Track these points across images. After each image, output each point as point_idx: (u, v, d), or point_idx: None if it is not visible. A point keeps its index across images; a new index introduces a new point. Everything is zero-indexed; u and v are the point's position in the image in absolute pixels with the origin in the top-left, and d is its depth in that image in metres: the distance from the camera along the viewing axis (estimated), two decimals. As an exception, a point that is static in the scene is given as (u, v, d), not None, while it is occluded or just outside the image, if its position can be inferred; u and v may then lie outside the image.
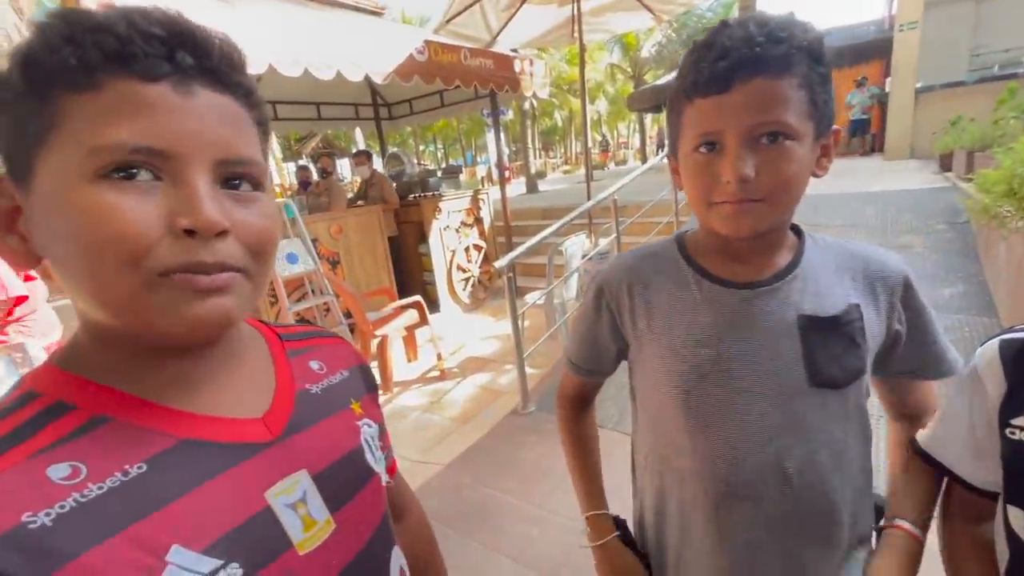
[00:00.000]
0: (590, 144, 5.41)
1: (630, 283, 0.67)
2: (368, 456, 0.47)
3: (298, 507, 0.38)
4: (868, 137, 9.22)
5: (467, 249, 5.03)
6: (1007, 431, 0.53)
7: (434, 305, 4.59)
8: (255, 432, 0.39)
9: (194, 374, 0.38)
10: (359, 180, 5.19)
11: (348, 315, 3.51)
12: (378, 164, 5.88)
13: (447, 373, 3.50)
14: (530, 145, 16.02)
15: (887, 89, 8.44)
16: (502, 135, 5.30)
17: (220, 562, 0.33)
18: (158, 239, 0.32)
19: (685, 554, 0.66)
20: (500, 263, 2.67)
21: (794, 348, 0.57)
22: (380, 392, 0.55)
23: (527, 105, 14.65)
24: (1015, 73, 6.99)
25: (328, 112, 5.82)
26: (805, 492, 0.58)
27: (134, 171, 0.31)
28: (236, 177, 0.36)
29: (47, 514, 0.29)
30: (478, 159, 32.67)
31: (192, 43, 0.34)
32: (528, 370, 2.81)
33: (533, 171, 13.60)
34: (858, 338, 0.58)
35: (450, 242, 4.87)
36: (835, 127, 0.56)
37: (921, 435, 0.64)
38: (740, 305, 0.59)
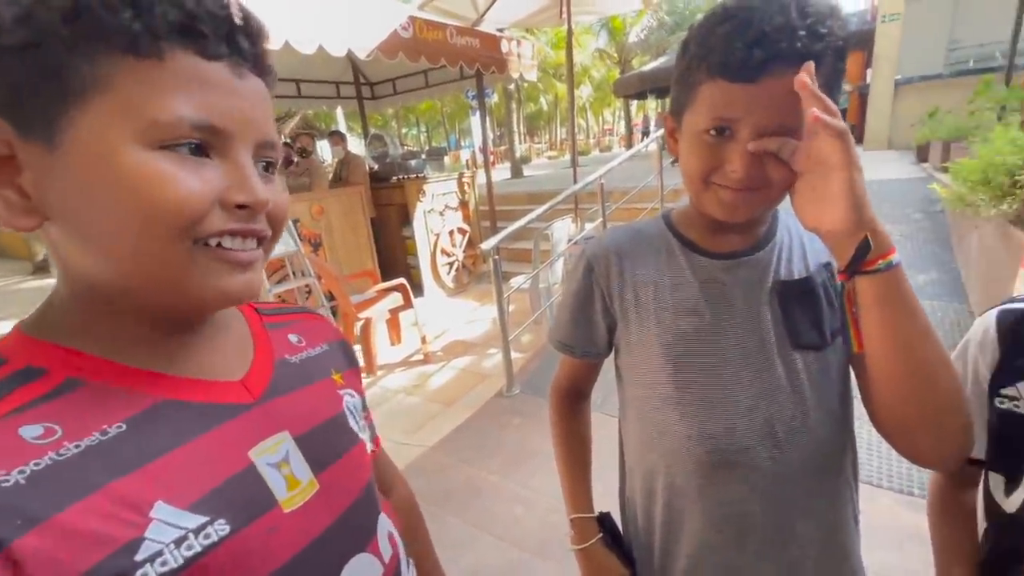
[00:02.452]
0: (575, 129, 5.37)
1: (619, 256, 0.66)
2: (351, 423, 0.48)
3: (281, 467, 0.39)
4: (847, 128, 9.35)
5: (451, 233, 4.98)
6: (996, 400, 0.54)
7: (418, 289, 4.55)
8: (235, 394, 0.40)
9: (172, 340, 0.38)
10: (336, 161, 5.08)
11: (331, 297, 3.45)
12: (360, 146, 5.75)
13: (431, 356, 3.48)
14: (515, 129, 15.88)
15: (867, 81, 8.55)
16: (487, 119, 5.24)
17: (206, 518, 0.33)
18: (210, 210, 0.33)
19: (673, 533, 0.65)
20: (486, 244, 2.65)
21: (774, 313, 0.59)
22: (364, 374, 0.55)
23: (512, 88, 14.49)
24: (990, 67, 7.16)
25: (308, 90, 5.64)
26: (795, 455, 0.58)
27: (191, 144, 0.32)
28: (266, 158, 0.37)
29: (21, 472, 0.28)
30: (462, 143, 32.28)
31: (247, 29, 0.35)
32: (513, 354, 2.82)
33: (518, 156, 13.51)
34: (832, 296, 0.59)
35: (434, 225, 4.82)
36: None
37: None
38: (723, 275, 0.61)
